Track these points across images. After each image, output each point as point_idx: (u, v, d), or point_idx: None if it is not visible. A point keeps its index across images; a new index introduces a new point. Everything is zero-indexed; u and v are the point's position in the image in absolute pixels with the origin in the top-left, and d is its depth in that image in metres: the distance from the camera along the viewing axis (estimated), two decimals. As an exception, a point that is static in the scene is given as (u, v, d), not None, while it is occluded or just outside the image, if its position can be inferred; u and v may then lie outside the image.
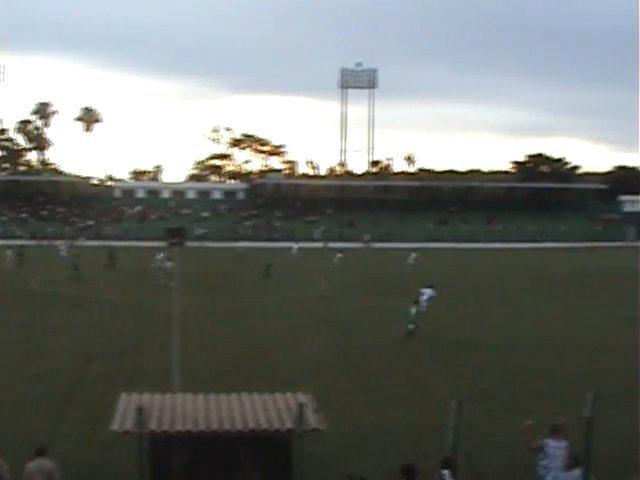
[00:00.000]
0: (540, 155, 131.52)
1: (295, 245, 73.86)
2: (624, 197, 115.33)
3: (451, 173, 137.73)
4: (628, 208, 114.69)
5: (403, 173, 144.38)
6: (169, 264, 49.72)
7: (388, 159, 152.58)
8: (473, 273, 55.52)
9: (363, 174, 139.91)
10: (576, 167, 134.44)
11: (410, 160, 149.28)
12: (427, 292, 34.02)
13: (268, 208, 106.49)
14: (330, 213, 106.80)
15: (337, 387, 21.20)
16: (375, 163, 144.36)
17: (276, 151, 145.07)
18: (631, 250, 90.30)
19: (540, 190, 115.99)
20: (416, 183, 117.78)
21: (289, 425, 11.46)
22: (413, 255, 59.15)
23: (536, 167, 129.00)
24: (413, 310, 30.33)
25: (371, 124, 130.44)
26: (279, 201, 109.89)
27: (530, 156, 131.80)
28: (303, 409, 11.03)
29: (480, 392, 20.56)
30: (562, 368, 24.63)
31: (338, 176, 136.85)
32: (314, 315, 35.59)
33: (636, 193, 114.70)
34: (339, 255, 60.02)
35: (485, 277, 52.81)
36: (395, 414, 18.98)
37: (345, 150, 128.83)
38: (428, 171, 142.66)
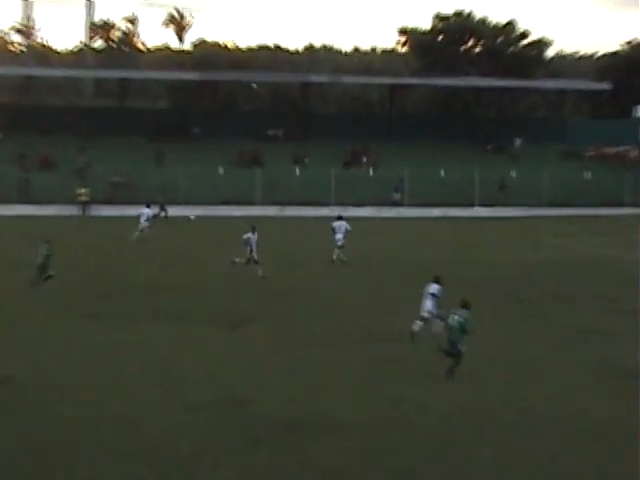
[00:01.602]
0: (464, 15, 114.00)
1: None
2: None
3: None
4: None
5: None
6: None
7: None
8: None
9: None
10: (544, 42, 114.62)
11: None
12: (435, 287, 34.33)
13: None
14: None
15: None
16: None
17: None
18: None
19: (461, 93, 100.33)
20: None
21: None
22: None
23: (452, 40, 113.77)
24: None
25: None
26: None
27: (440, 17, 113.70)
28: None
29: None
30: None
31: None
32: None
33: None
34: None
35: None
36: None
37: None
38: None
